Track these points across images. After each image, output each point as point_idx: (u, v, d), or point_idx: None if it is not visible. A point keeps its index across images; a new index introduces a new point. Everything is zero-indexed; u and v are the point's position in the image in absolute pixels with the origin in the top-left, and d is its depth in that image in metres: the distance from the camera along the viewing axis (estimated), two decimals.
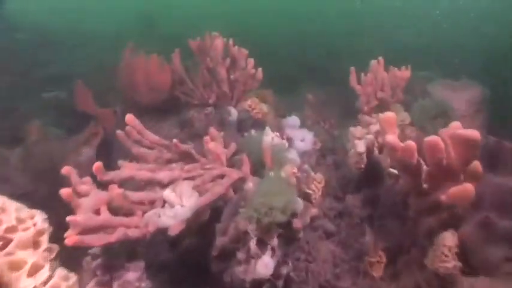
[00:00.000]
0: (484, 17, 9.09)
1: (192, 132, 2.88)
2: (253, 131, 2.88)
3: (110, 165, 3.44)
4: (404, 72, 2.95)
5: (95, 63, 5.35)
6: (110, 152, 3.45)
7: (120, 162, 2.06)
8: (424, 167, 1.99)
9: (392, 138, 1.84)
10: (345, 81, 5.84)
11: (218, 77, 2.96)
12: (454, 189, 1.75)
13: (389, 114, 2.04)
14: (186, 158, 2.26)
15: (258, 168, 2.52)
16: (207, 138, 2.35)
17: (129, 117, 1.96)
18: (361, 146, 2.19)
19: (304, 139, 2.65)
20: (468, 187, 1.70)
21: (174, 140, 2.06)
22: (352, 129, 2.50)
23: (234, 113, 2.89)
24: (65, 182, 1.78)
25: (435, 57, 7.44)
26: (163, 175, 2.10)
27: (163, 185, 2.13)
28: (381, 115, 2.11)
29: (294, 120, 2.67)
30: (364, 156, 2.22)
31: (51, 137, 3.70)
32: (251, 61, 2.92)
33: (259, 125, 3.01)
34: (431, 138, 1.79)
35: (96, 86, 3.91)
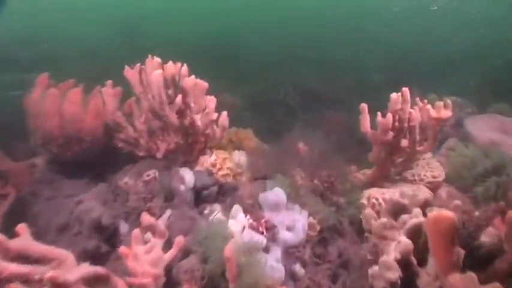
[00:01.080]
0: (491, 22, 8.25)
1: (128, 210, 1.94)
2: (217, 208, 1.95)
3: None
4: (443, 112, 2.02)
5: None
6: (27, 222, 2.45)
7: None
8: None
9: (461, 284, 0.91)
10: (347, 103, 4.94)
11: (167, 121, 2.03)
12: None
13: (442, 221, 1.12)
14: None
15: (219, 284, 1.59)
16: (124, 249, 1.42)
17: None
18: (393, 270, 1.26)
19: (293, 226, 1.72)
20: None
21: (49, 275, 1.13)
22: (368, 216, 1.57)
23: (189, 178, 1.97)
24: None
25: (446, 70, 6.58)
26: None
27: None
28: (427, 217, 1.18)
29: (277, 196, 1.75)
30: (398, 281, 1.29)
31: None
32: (212, 100, 2.00)
33: (229, 192, 2.08)
34: None
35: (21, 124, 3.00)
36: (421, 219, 1.42)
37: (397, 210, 1.55)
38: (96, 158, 2.47)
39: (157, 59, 1.97)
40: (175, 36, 9.49)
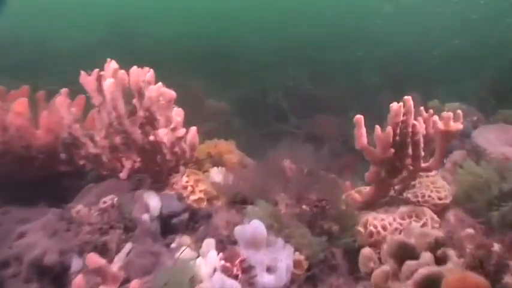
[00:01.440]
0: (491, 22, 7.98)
1: (81, 244, 1.62)
2: (186, 241, 1.64)
3: None
4: (453, 125, 1.71)
5: None
6: None
7: None
8: None
9: None
10: (342, 106, 4.64)
11: (128, 137, 1.71)
12: None
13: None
14: None
15: None
16: None
17: None
18: None
19: (275, 266, 1.41)
20: None
21: None
22: (366, 258, 1.27)
23: (154, 205, 1.65)
24: None
25: (445, 72, 6.30)
26: None
27: None
28: (446, 281, 0.87)
29: (255, 229, 1.44)
30: None
31: None
32: (179, 113, 1.68)
33: (202, 220, 1.77)
34: None
35: None
36: (434, 269, 1.11)
37: (403, 253, 1.24)
38: (55, 178, 2.15)
39: (113, 64, 1.65)
40: (168, 37, 9.17)
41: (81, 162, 2.05)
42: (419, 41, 7.68)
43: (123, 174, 1.87)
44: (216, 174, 2.10)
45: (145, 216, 1.65)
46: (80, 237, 1.60)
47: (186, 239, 1.66)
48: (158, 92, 1.67)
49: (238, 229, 1.49)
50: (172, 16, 11.74)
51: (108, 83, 1.54)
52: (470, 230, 1.71)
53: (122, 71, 1.88)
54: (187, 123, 2.83)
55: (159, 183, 1.93)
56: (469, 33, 7.79)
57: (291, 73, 5.68)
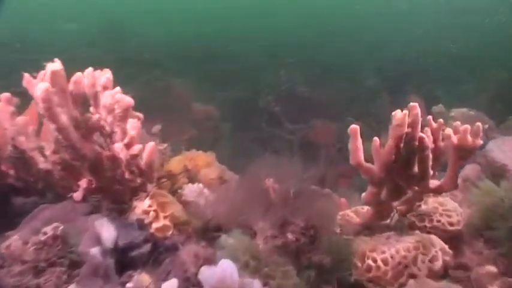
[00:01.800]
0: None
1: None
2: (145, 280, 1.33)
3: None
4: (471, 140, 1.41)
5: None
6: None
7: None
8: None
9: None
10: (338, 111, 4.35)
11: (78, 153, 1.40)
12: None
13: None
14: None
15: None
16: None
17: None
18: None
19: None
20: None
21: None
22: None
23: (107, 235, 1.35)
24: None
25: (447, 73, 5.98)
26: None
27: None
28: None
29: (224, 272, 1.13)
30: None
31: None
32: (134, 126, 1.37)
33: (167, 253, 1.46)
34: None
35: None
36: None
37: None
38: (4, 196, 1.84)
39: (56, 65, 1.32)
40: (164, 37, 8.91)
41: (32, 180, 1.74)
42: (418, 41, 7.38)
43: (77, 195, 1.56)
44: (191, 192, 1.79)
45: (95, 250, 1.34)
46: (9, 280, 1.29)
47: (144, 277, 1.35)
48: (113, 98, 1.37)
49: (204, 271, 1.17)
50: (168, 16, 11.46)
51: (39, 89, 1.22)
52: (491, 268, 1.41)
53: (78, 73, 1.59)
54: (169, 130, 2.48)
55: (122, 205, 1.63)
56: (468, 33, 7.51)
57: (286, 74, 5.36)
